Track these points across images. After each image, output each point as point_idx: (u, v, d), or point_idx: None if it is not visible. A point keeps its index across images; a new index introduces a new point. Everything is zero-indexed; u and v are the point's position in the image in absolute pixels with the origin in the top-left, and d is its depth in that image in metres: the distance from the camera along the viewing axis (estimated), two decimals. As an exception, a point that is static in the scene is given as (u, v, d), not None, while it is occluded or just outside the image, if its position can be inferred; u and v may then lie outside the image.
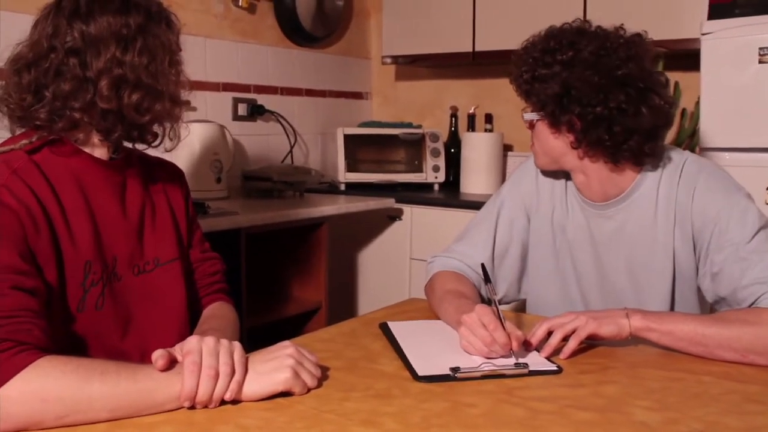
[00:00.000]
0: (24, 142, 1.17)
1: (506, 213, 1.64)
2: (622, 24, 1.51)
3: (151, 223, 1.33)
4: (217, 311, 1.43)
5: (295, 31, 3.32)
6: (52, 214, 1.14)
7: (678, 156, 1.51)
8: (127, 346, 1.20)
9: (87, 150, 1.23)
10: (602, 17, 2.70)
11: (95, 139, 1.23)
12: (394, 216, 3.01)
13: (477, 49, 3.10)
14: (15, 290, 1.01)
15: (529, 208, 1.64)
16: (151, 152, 1.37)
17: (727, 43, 2.18)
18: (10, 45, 1.23)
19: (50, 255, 1.12)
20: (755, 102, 2.14)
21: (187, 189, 1.47)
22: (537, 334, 1.29)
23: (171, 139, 1.31)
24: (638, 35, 1.50)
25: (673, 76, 2.74)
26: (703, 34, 2.22)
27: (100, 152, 1.25)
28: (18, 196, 1.10)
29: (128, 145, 1.31)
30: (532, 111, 1.51)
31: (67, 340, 1.14)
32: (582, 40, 1.44)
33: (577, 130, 1.44)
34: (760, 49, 2.11)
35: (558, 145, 1.50)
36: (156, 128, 1.28)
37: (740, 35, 2.16)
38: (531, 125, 1.54)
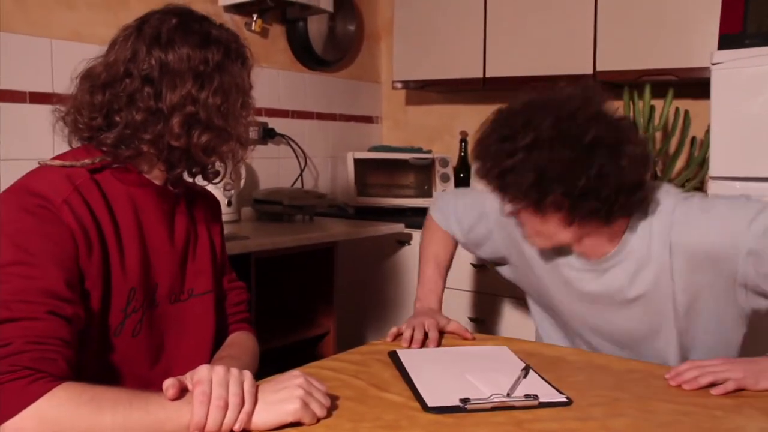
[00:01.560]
0: (86, 161, 1.17)
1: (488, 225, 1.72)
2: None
3: (193, 252, 1.33)
4: (238, 339, 1.43)
5: (306, 55, 3.34)
6: (107, 236, 1.15)
7: (666, 199, 1.48)
8: (155, 375, 1.20)
9: (146, 176, 1.23)
10: (612, 47, 2.75)
11: (157, 169, 1.23)
12: (404, 241, 3.01)
13: (488, 75, 3.11)
14: (51, 315, 1.02)
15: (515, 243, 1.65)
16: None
17: (738, 74, 2.18)
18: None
19: (99, 277, 1.12)
20: (766, 131, 2.14)
21: (221, 220, 1.48)
22: (685, 376, 1.27)
23: (232, 180, 1.33)
24: (587, 84, 1.45)
25: (682, 104, 2.77)
26: (714, 64, 2.22)
27: (157, 178, 1.25)
28: (77, 214, 1.10)
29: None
30: (511, 203, 1.45)
31: (98, 364, 1.14)
32: (535, 117, 1.38)
33: (565, 208, 1.39)
34: (771, 79, 2.11)
35: (550, 227, 1.44)
36: (218, 167, 1.28)
37: (750, 66, 2.16)
38: (515, 214, 1.49)
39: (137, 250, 1.19)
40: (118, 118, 1.16)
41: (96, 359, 1.14)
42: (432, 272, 1.83)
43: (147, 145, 1.18)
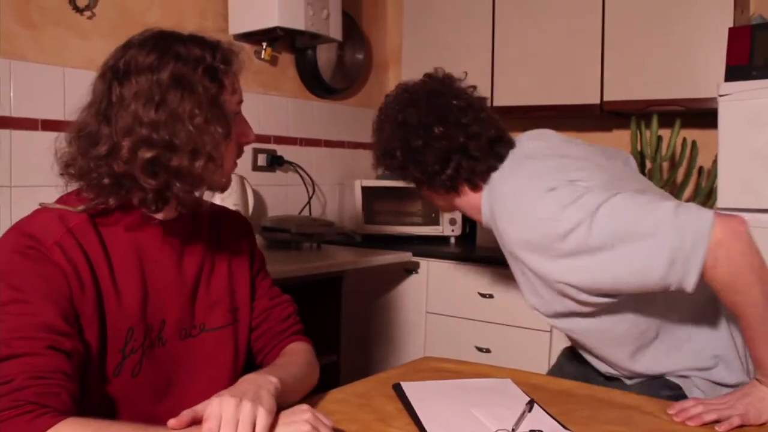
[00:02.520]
0: (80, 208, 1.16)
1: None
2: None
3: (206, 285, 1.31)
4: (290, 349, 1.41)
5: (315, 83, 3.37)
6: (100, 277, 1.14)
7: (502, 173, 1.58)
8: (161, 411, 1.18)
9: (144, 208, 1.20)
10: (619, 78, 2.76)
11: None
12: (411, 269, 3.02)
13: (495, 104, 3.13)
14: (51, 350, 1.02)
15: None
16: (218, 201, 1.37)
17: (745, 105, 2.19)
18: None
19: (93, 317, 1.12)
20: (773, 164, 2.14)
21: (253, 242, 1.46)
22: (689, 413, 1.27)
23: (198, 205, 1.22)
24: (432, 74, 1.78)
25: (689, 134, 2.78)
26: (721, 96, 2.23)
27: (168, 213, 1.22)
28: (69, 255, 1.10)
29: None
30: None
31: (100, 402, 1.14)
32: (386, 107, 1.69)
33: (410, 176, 1.66)
34: (778, 111, 2.12)
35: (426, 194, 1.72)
36: (186, 190, 1.17)
37: (758, 97, 2.17)
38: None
39: (136, 290, 1.19)
40: (90, 162, 1.15)
41: (96, 397, 1.13)
42: None
43: (108, 179, 1.15)
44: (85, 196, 1.18)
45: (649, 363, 1.55)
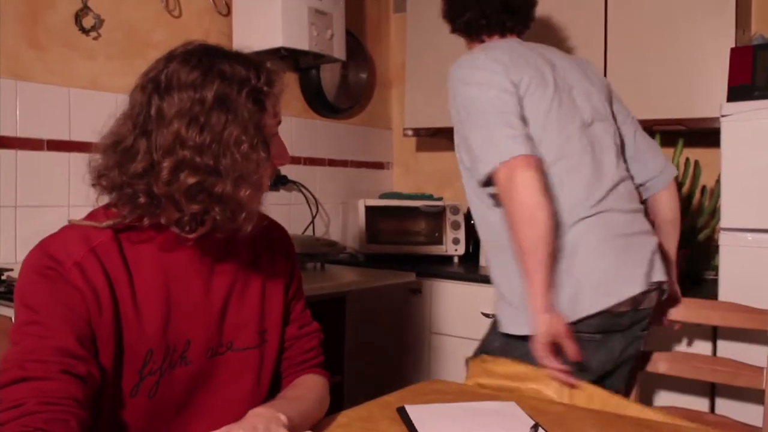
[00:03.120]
0: (107, 223, 1.15)
1: None
2: None
3: (237, 304, 1.28)
4: (302, 381, 1.39)
5: (319, 103, 3.39)
6: (120, 298, 1.13)
7: None
8: (176, 430, 1.18)
9: (177, 229, 1.16)
10: (622, 97, 2.75)
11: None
12: (415, 289, 3.01)
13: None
14: (64, 374, 1.01)
15: None
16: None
17: (747, 126, 2.19)
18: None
19: (110, 339, 1.11)
20: (776, 184, 2.14)
21: (293, 262, 1.42)
22: None
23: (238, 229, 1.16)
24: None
25: (693, 153, 2.78)
26: (723, 116, 2.23)
27: (201, 230, 1.18)
28: (88, 277, 1.09)
29: None
30: None
31: (114, 422, 1.13)
32: None
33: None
34: (781, 131, 2.12)
35: None
36: (230, 213, 1.14)
37: (760, 117, 2.17)
38: None
39: (159, 311, 1.16)
40: (124, 176, 1.13)
41: (111, 418, 1.13)
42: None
43: (143, 197, 1.12)
44: (114, 211, 1.16)
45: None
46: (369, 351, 3.17)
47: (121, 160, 1.13)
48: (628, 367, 1.92)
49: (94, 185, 1.18)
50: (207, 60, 1.14)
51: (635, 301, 1.76)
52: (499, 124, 1.70)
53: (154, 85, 1.14)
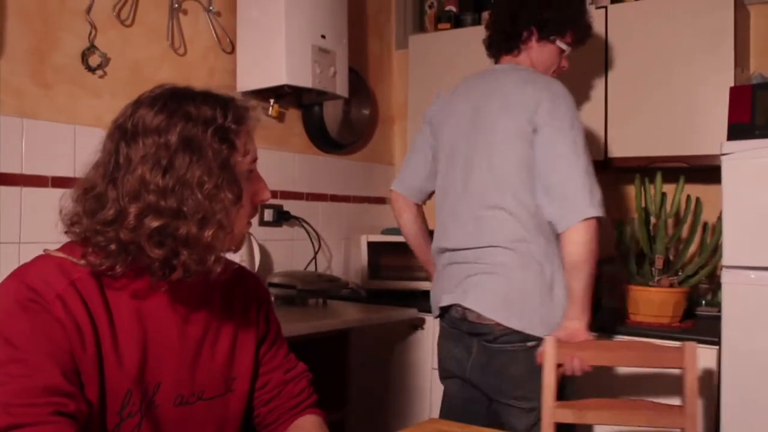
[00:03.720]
0: (82, 262, 1.12)
1: None
2: None
3: (209, 353, 1.27)
4: (300, 423, 1.39)
5: (321, 139, 3.41)
6: (101, 333, 1.11)
7: None
8: None
9: (150, 275, 1.15)
10: (622, 135, 2.79)
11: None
12: (417, 325, 3.01)
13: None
14: (56, 416, 0.99)
15: None
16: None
17: (748, 164, 2.21)
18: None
19: (93, 375, 1.09)
20: (778, 222, 2.15)
21: (266, 310, 1.41)
22: None
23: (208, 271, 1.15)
24: None
25: (694, 189, 2.79)
26: (724, 154, 2.25)
27: (179, 275, 1.16)
28: (70, 310, 1.07)
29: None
30: None
31: None
32: None
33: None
34: (781, 170, 2.13)
35: None
36: (197, 258, 1.12)
37: (761, 156, 2.19)
38: None
39: (136, 352, 1.15)
40: (95, 225, 1.11)
41: None
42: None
43: (114, 244, 1.10)
44: (90, 251, 1.14)
45: None
46: (371, 388, 3.16)
47: (92, 208, 1.12)
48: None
49: (66, 232, 1.17)
50: (172, 103, 1.14)
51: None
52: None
53: (120, 132, 1.14)
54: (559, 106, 2.05)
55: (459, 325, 2.15)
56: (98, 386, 1.10)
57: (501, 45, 2.32)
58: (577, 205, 1.95)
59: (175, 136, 1.11)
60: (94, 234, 1.12)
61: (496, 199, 2.06)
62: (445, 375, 2.27)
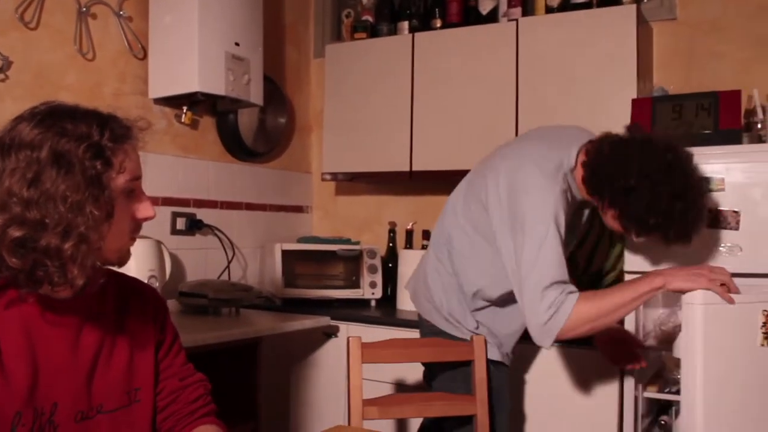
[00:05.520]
0: None
1: None
2: None
3: (106, 365, 1.27)
4: None
5: (236, 147, 3.38)
6: None
7: None
8: None
9: (49, 293, 1.17)
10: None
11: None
12: (330, 333, 3.00)
13: (414, 168, 3.19)
14: None
15: None
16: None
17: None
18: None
19: None
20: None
21: (163, 319, 1.42)
22: None
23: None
24: None
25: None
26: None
27: (66, 292, 1.19)
28: None
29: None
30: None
31: None
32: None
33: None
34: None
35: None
36: (58, 268, 1.12)
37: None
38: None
39: (25, 373, 1.15)
40: None
41: None
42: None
43: None
44: None
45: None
46: (284, 396, 3.14)
47: None
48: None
49: None
50: (50, 119, 1.16)
51: None
52: None
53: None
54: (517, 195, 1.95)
55: None
56: None
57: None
58: (541, 331, 1.86)
59: (46, 151, 1.12)
60: None
61: None
62: None
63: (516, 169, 1.97)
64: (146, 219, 1.26)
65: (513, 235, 1.91)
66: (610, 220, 1.96)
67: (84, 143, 1.14)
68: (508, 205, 1.94)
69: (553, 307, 1.80)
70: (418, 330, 2.32)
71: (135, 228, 1.26)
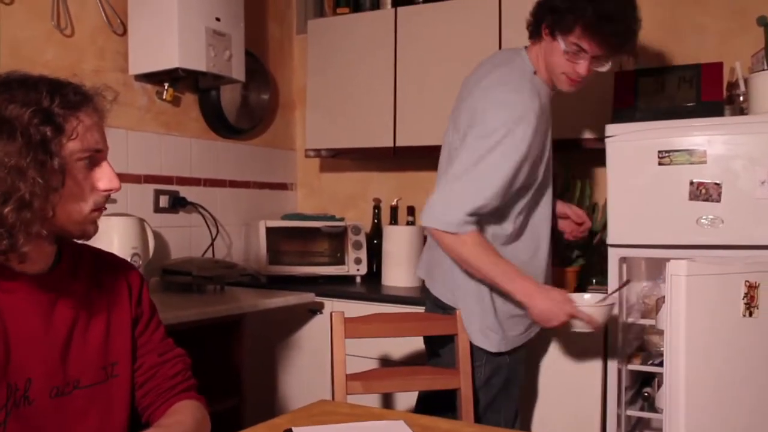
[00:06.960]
0: None
1: None
2: None
3: (81, 340, 1.26)
4: (176, 408, 1.37)
5: (219, 124, 3.35)
6: None
7: None
8: None
9: (16, 267, 1.17)
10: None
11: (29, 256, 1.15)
12: (315, 309, 3.00)
13: (398, 144, 3.18)
14: None
15: None
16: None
17: (629, 146, 2.28)
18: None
19: None
20: (655, 201, 2.24)
21: (139, 292, 1.41)
22: None
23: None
24: None
25: (587, 173, 2.88)
26: (607, 137, 2.32)
27: (37, 266, 1.19)
28: None
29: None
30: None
31: None
32: None
33: None
34: (659, 152, 2.22)
35: None
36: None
37: (641, 139, 2.27)
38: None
39: None
40: None
41: None
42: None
43: None
44: None
45: None
46: (269, 373, 3.15)
47: None
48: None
49: None
50: (3, 86, 1.14)
51: None
52: None
53: None
54: (486, 113, 2.03)
55: None
56: None
57: (529, 29, 2.16)
58: (425, 209, 2.05)
59: None
60: None
61: None
62: None
63: (482, 95, 2.08)
64: (109, 191, 1.23)
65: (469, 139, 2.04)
66: (562, 55, 2.03)
67: (30, 108, 1.12)
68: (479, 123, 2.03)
69: (457, 227, 1.96)
70: (403, 306, 2.33)
71: (99, 200, 1.22)
